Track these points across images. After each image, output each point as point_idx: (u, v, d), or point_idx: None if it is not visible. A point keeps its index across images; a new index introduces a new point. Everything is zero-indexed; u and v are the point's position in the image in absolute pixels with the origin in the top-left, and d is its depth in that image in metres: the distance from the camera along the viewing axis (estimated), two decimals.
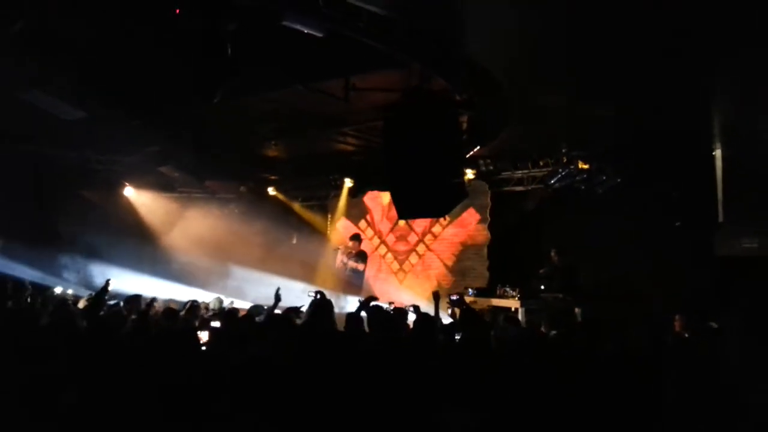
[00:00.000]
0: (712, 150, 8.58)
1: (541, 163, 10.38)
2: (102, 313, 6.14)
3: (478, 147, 9.00)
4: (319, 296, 6.15)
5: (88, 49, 6.49)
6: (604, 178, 9.27)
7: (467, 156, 9.11)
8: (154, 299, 7.72)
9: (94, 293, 8.11)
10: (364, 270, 10.48)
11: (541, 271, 9.49)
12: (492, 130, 8.56)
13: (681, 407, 3.29)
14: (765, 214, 8.06)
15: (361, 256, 10.57)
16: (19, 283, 8.43)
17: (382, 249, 12.50)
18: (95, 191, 12.13)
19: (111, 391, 3.66)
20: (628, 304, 7.98)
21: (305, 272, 11.64)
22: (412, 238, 12.17)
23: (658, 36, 5.47)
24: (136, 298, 7.54)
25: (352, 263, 10.44)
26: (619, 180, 9.17)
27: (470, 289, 10.18)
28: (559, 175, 9.76)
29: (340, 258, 10.57)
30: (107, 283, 6.49)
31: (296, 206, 13.31)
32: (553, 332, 6.32)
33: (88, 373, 3.91)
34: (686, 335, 5.58)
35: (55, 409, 3.58)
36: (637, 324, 6.44)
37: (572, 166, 9.42)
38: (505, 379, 3.53)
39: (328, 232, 13.14)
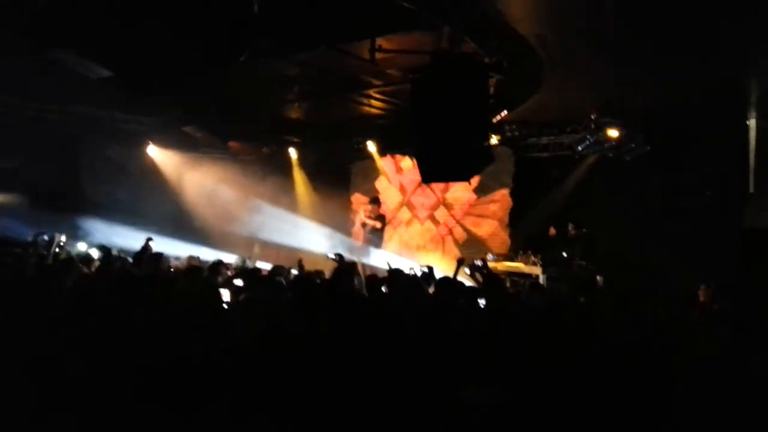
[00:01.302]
0: (747, 119, 8.36)
1: (568, 130, 10.19)
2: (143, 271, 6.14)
3: (505, 112, 8.87)
4: (338, 258, 6.15)
5: (117, 11, 6.43)
6: (634, 146, 9.10)
7: (494, 121, 8.99)
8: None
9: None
10: (382, 229, 10.50)
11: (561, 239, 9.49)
12: (520, 94, 8.41)
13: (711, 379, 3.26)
14: None
15: (380, 219, 10.58)
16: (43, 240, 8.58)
17: (403, 213, 12.48)
18: (120, 150, 12.19)
19: (133, 351, 3.67)
20: (652, 273, 7.91)
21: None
22: (434, 203, 12.13)
23: None
24: (157, 257, 7.62)
25: (371, 223, 10.47)
26: (648, 148, 9.00)
27: (491, 255, 10.18)
28: (587, 142, 9.60)
29: (360, 219, 10.59)
30: (147, 241, 6.53)
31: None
32: (581, 299, 6.31)
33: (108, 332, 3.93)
34: (714, 307, 5.52)
35: (65, 375, 3.58)
36: (661, 295, 6.40)
37: (600, 133, 9.26)
38: (533, 350, 3.52)
39: (350, 195, 13.14)
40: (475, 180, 10.92)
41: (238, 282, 5.81)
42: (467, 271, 6.49)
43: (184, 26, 6.59)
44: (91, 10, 6.37)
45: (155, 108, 10.43)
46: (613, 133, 9.03)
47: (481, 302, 5.06)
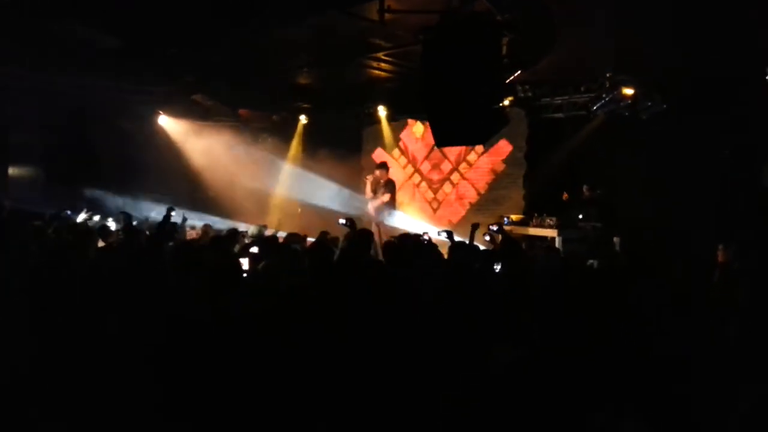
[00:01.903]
0: (765, 75, 8.12)
1: (583, 89, 10.00)
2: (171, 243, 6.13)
3: (519, 72, 8.70)
4: (350, 224, 6.11)
5: None
6: (650, 104, 8.92)
7: (507, 81, 8.83)
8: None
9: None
10: (391, 201, 10.38)
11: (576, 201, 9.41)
12: (534, 54, 8.22)
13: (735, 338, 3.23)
14: None
15: (389, 186, 10.47)
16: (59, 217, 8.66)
17: (416, 178, 12.42)
18: (131, 121, 12.18)
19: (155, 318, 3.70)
20: (669, 234, 7.83)
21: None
22: (446, 167, 12.05)
23: None
24: (173, 227, 7.64)
25: (379, 195, 10.38)
26: (665, 106, 8.81)
27: (505, 218, 10.12)
28: (602, 101, 9.43)
29: (369, 187, 10.51)
30: (169, 211, 6.52)
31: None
32: (592, 262, 6.28)
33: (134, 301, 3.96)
34: (735, 266, 5.46)
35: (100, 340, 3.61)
36: (679, 254, 6.34)
37: (615, 92, 9.07)
38: (551, 313, 3.50)
39: (362, 161, 13.07)
40: (487, 143, 10.80)
41: (254, 250, 5.81)
42: (486, 237, 6.45)
43: None
44: None
45: (164, 77, 10.34)
46: (628, 91, 8.85)
47: (497, 267, 5.05)
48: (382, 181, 10.44)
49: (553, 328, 3.29)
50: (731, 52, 7.57)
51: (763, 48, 7.50)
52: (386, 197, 10.10)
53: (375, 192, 10.25)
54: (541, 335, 3.24)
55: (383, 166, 10.68)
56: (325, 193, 12.02)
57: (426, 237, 6.85)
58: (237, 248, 6.34)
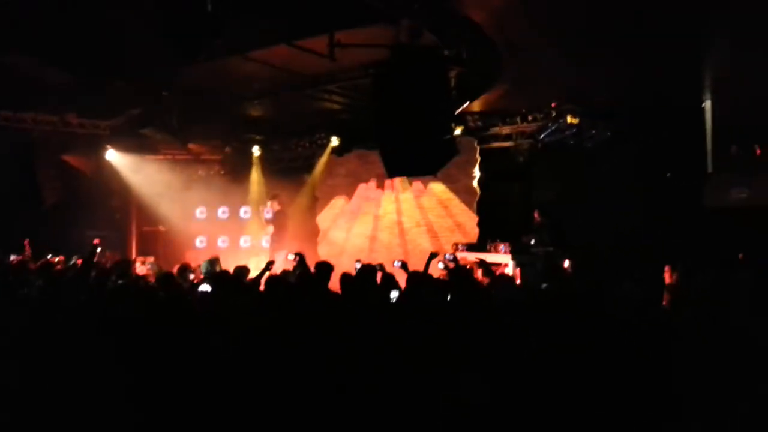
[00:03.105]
0: (702, 102, 8.55)
1: (530, 118, 10.28)
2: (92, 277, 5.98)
3: (467, 103, 8.89)
4: (298, 258, 6.09)
5: (69, 15, 6.23)
6: (594, 132, 9.23)
7: (456, 112, 9.01)
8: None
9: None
10: (276, 234, 10.63)
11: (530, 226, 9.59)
12: (481, 85, 8.43)
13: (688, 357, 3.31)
14: (753, 165, 8.10)
15: (277, 218, 10.68)
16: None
17: (371, 207, 12.46)
18: (78, 156, 11.88)
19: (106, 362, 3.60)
20: (618, 256, 8.04)
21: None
22: (398, 197, 12.13)
23: None
24: (125, 263, 7.44)
25: (269, 225, 10.61)
26: (609, 134, 9.14)
27: (459, 245, 10.23)
28: (549, 130, 9.70)
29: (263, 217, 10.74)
30: (94, 246, 6.36)
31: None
32: (543, 285, 6.37)
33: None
34: (684, 287, 5.63)
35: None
36: (627, 275, 6.50)
37: (561, 121, 9.36)
38: (506, 339, 3.53)
39: (315, 192, 13.06)
40: (440, 171, 10.94)
41: (205, 288, 5.69)
42: (441, 266, 6.47)
43: (139, 25, 6.43)
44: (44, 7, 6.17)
45: (111, 110, 10.17)
46: (573, 119, 9.14)
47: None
48: (272, 210, 10.56)
49: (509, 358, 3.31)
50: (671, 85, 7.95)
51: (699, 80, 7.90)
52: (270, 229, 10.27)
53: (268, 222, 10.42)
54: (499, 366, 3.25)
55: (275, 196, 10.80)
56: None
57: (359, 266, 6.83)
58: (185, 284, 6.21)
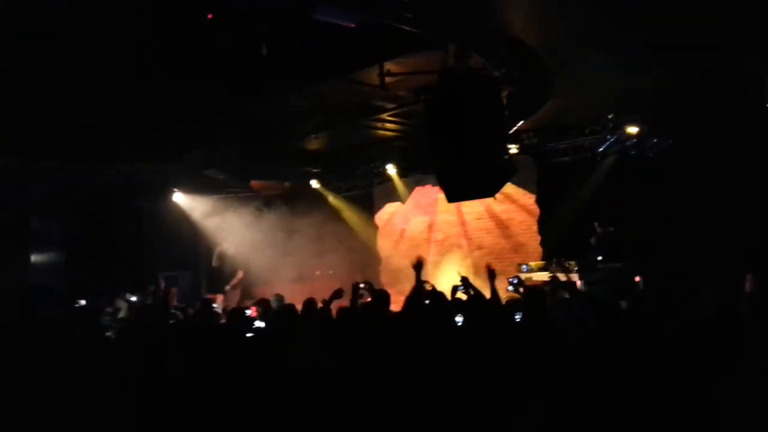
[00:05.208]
0: (766, 102, 8.14)
1: (587, 132, 10.07)
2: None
3: (521, 122, 8.81)
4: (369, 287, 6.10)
5: (130, 62, 6.56)
6: (655, 140, 8.95)
7: (510, 132, 8.92)
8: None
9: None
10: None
11: (591, 240, 9.32)
12: (534, 103, 8.35)
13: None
14: None
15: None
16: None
17: (427, 232, 12.43)
18: (147, 201, 12.44)
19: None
20: (691, 268, 7.69)
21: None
22: (458, 219, 12.05)
23: None
24: (207, 302, 7.65)
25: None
26: (671, 141, 8.83)
27: (524, 266, 10.02)
28: (607, 143, 9.48)
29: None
30: (170, 291, 6.57)
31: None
32: (621, 302, 6.14)
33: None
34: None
35: None
36: (705, 287, 6.21)
37: (620, 132, 9.13)
38: (577, 365, 3.40)
39: (376, 219, 13.18)
40: (500, 192, 10.82)
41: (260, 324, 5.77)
42: (510, 288, 6.33)
43: (196, 70, 6.70)
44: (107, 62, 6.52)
45: (174, 154, 10.62)
46: (632, 129, 8.90)
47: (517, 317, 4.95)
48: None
49: (579, 383, 3.19)
50: (732, 85, 7.62)
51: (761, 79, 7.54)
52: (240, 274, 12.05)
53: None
54: (568, 391, 3.14)
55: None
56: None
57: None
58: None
